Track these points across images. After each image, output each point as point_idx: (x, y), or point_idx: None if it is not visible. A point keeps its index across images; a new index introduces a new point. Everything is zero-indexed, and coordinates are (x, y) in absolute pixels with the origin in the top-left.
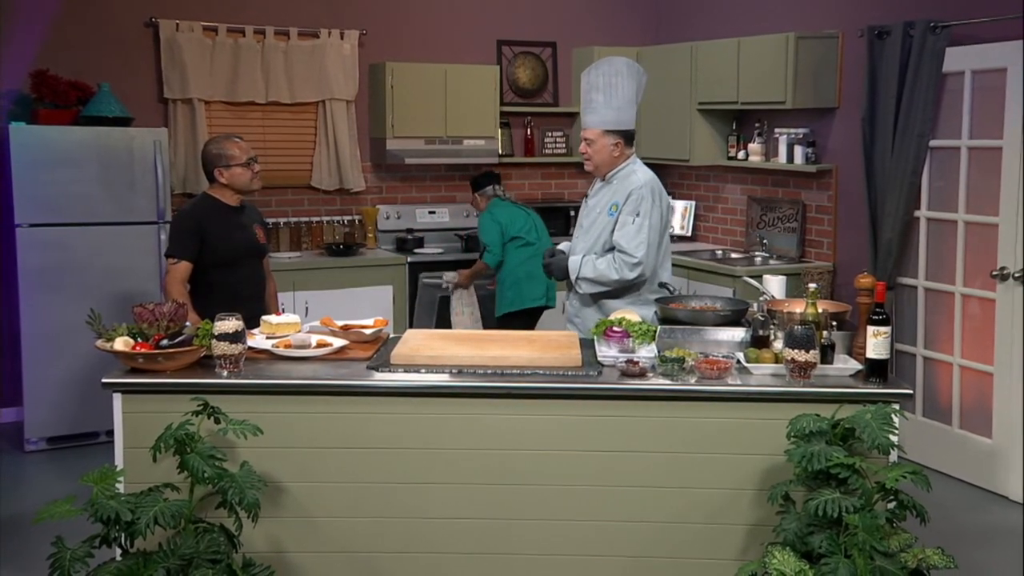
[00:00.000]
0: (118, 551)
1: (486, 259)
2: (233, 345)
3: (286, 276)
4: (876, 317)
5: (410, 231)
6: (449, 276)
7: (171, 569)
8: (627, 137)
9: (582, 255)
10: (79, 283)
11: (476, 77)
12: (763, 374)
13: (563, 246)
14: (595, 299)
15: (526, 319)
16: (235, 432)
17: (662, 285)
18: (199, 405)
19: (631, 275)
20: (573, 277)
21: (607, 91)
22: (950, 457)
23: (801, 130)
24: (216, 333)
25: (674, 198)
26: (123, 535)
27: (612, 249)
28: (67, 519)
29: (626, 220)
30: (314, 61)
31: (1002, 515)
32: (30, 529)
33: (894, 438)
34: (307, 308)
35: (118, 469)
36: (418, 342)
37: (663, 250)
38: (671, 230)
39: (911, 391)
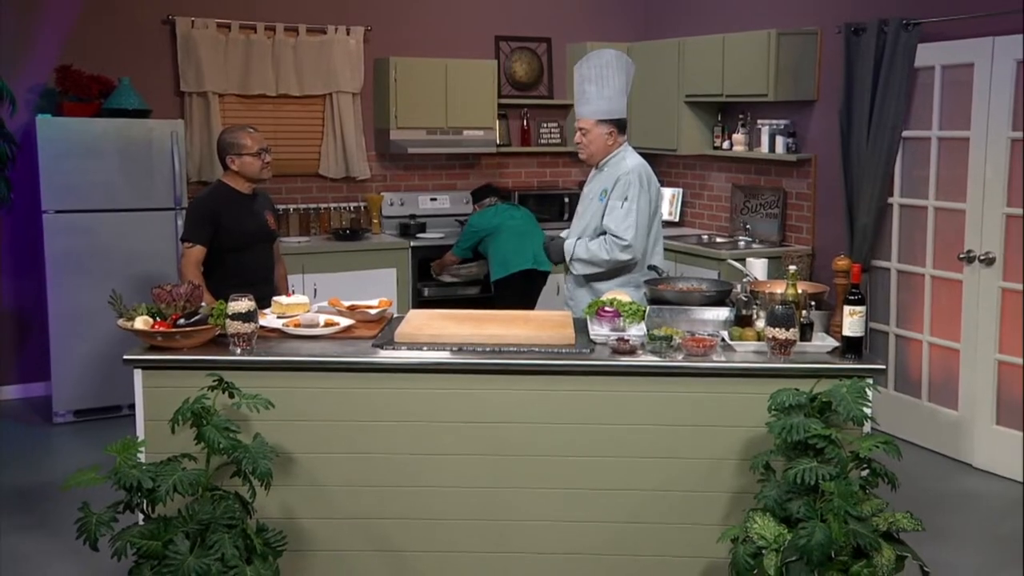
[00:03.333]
0: (140, 516)
1: (454, 250)
2: (246, 324)
3: (296, 259)
4: (852, 297)
5: (413, 217)
6: (434, 264)
7: (190, 533)
8: (619, 125)
9: (575, 238)
10: (102, 266)
11: (475, 71)
12: (746, 351)
13: (564, 234)
14: (587, 280)
15: (521, 282)
16: (248, 406)
17: (651, 268)
18: (214, 380)
19: (622, 256)
20: (568, 258)
21: (599, 82)
22: (919, 428)
23: (782, 121)
24: (230, 313)
25: (662, 186)
26: (145, 501)
27: (603, 234)
28: (93, 486)
29: (615, 205)
30: (322, 56)
31: (966, 481)
32: (59, 496)
33: (868, 410)
34: (315, 289)
35: (139, 440)
36: (420, 321)
37: (654, 234)
38: (660, 215)
39: (884, 366)
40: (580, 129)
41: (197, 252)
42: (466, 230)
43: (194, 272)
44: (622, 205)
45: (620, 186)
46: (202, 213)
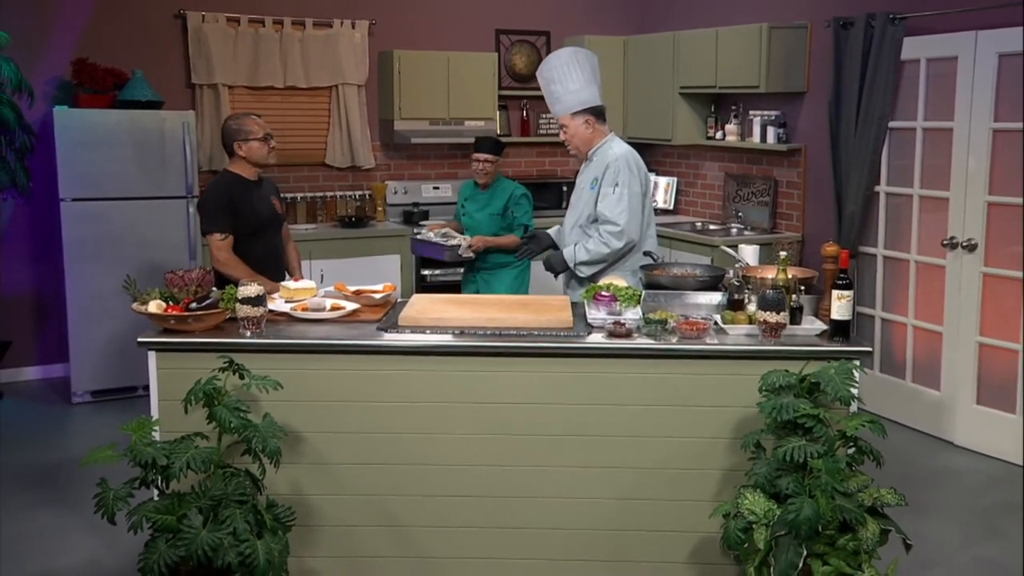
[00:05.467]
0: (155, 492)
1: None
2: (255, 308)
3: (303, 246)
4: (840, 282)
5: (416, 205)
6: (463, 246)
7: (203, 508)
8: (595, 113)
9: (573, 244)
10: (116, 252)
11: (476, 63)
12: (738, 334)
13: (552, 231)
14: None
15: None
16: (258, 387)
17: (647, 253)
18: (225, 362)
19: (619, 244)
20: (571, 265)
21: (561, 80)
22: (903, 407)
23: (773, 112)
24: (240, 297)
25: (657, 175)
26: (159, 478)
27: (595, 221)
28: (110, 463)
29: (607, 191)
30: (328, 49)
31: (948, 459)
32: (78, 472)
33: (854, 391)
34: (322, 275)
35: (154, 419)
36: (423, 306)
37: (646, 219)
38: (654, 203)
39: (870, 349)
40: (562, 128)
41: (230, 241)
42: (527, 209)
43: (235, 259)
44: (614, 191)
45: (610, 173)
46: (220, 203)
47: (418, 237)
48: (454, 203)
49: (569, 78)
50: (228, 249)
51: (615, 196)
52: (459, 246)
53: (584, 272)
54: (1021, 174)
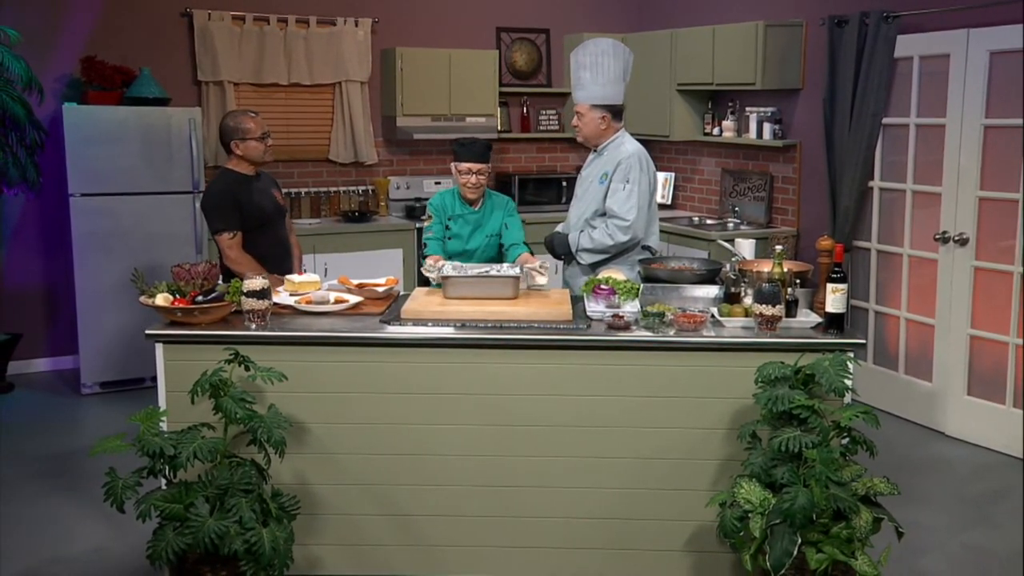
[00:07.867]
0: (163, 481)
1: None
2: (260, 301)
3: (307, 240)
4: (834, 276)
5: (418, 200)
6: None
7: (209, 497)
8: (614, 112)
9: (579, 231)
10: (125, 246)
11: (477, 61)
12: (734, 326)
13: (561, 227)
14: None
15: None
16: (263, 378)
17: (645, 248)
18: (231, 354)
19: (624, 238)
20: (573, 250)
21: (594, 69)
22: (896, 399)
23: (769, 109)
24: (245, 290)
25: (656, 170)
26: (167, 467)
27: (603, 214)
28: (118, 453)
29: (617, 187)
30: (331, 46)
31: (939, 449)
32: (87, 462)
33: (848, 382)
34: (326, 269)
35: (161, 410)
36: (425, 299)
37: (651, 216)
38: (656, 199)
39: (864, 341)
40: (576, 113)
41: (239, 239)
42: (517, 213)
43: (245, 257)
44: (624, 187)
45: (622, 169)
46: (226, 202)
47: (464, 275)
48: None
49: (600, 70)
50: (238, 247)
51: (625, 193)
52: (543, 284)
53: (585, 259)
54: (1017, 171)
